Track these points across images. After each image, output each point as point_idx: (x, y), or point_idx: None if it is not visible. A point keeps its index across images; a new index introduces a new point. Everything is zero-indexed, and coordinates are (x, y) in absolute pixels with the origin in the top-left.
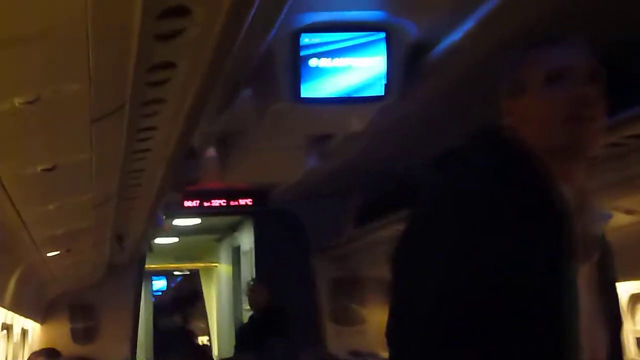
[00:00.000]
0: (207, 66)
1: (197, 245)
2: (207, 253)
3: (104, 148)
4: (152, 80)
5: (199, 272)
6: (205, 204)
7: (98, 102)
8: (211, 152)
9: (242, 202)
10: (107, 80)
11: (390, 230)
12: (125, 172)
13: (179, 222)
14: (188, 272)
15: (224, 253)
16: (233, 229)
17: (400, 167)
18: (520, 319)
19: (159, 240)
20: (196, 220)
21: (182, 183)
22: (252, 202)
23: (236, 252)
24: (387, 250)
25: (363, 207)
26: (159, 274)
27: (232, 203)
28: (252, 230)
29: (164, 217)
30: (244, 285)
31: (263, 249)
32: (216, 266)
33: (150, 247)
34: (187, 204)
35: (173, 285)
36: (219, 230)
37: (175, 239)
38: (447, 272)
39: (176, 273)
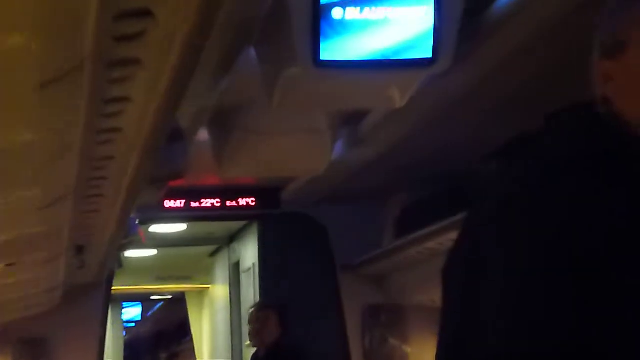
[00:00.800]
0: (195, 15)
1: (182, 261)
2: (197, 271)
3: (56, 124)
4: (121, 34)
5: (185, 297)
6: (194, 204)
7: (46, 60)
8: (203, 134)
9: (243, 202)
10: (59, 30)
11: (442, 240)
12: (86, 159)
13: (159, 229)
14: (170, 297)
15: (219, 271)
16: (231, 238)
17: (457, 158)
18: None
19: (131, 254)
20: (182, 227)
21: (163, 176)
22: (257, 203)
23: (235, 269)
24: (439, 265)
25: (407, 211)
26: (131, 298)
27: (230, 204)
28: (257, 240)
29: (139, 222)
30: (245, 314)
31: (271, 265)
32: (208, 288)
33: (120, 263)
34: (169, 204)
35: (150, 314)
36: (212, 240)
37: (154, 252)
38: (525, 294)
39: (155, 298)
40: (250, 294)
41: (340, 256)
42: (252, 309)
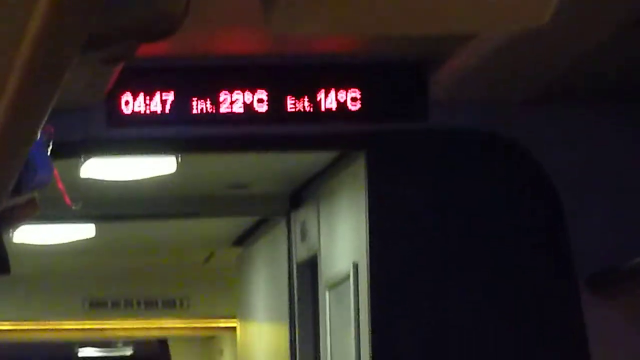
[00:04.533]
0: None
1: (162, 258)
2: (198, 285)
3: None
4: None
5: (167, 353)
6: (200, 106)
7: None
8: None
9: (329, 103)
10: None
11: None
12: None
13: (104, 170)
14: (130, 353)
15: (262, 285)
16: (295, 199)
17: None
18: None
19: (32, 236)
20: (164, 167)
21: (123, 28)
22: (365, 103)
23: (306, 278)
24: None
25: None
26: (27, 356)
27: (293, 106)
28: (364, 201)
29: (53, 151)
30: None
31: (400, 268)
32: (232, 329)
33: (4, 262)
34: (136, 106)
35: None
36: (242, 202)
37: (89, 233)
38: None
39: (86, 356)
40: (349, 341)
41: (585, 250)
42: None
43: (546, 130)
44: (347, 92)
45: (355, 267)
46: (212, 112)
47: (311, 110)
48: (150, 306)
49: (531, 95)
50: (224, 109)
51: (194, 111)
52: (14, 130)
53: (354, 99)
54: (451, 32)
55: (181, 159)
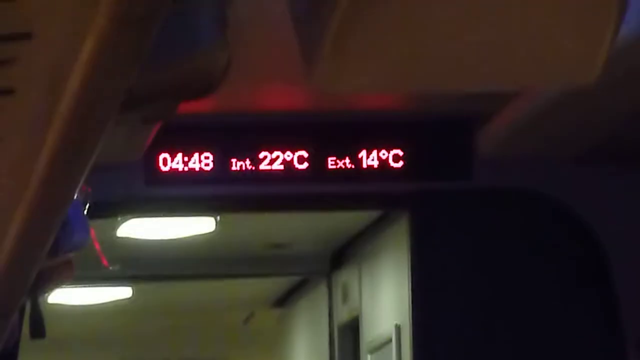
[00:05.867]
0: None
1: (200, 320)
2: (237, 348)
3: None
4: None
5: None
6: (239, 164)
7: None
8: None
9: (371, 161)
10: None
11: None
12: None
13: (141, 230)
14: None
15: (303, 346)
16: (336, 259)
17: None
18: None
19: (68, 298)
20: (203, 226)
21: (163, 88)
22: (409, 163)
23: (346, 341)
24: None
25: None
26: None
27: (333, 164)
28: (407, 262)
29: (89, 210)
30: None
31: (440, 329)
32: None
33: (38, 325)
34: (173, 164)
35: None
36: (282, 263)
37: (126, 294)
38: None
39: None
40: None
41: (634, 312)
42: None
43: (595, 191)
44: (389, 150)
45: (398, 329)
46: (251, 170)
47: (352, 168)
48: None
49: (580, 154)
50: (262, 167)
51: (233, 169)
52: (52, 190)
53: (396, 158)
54: (497, 88)
55: (220, 219)
